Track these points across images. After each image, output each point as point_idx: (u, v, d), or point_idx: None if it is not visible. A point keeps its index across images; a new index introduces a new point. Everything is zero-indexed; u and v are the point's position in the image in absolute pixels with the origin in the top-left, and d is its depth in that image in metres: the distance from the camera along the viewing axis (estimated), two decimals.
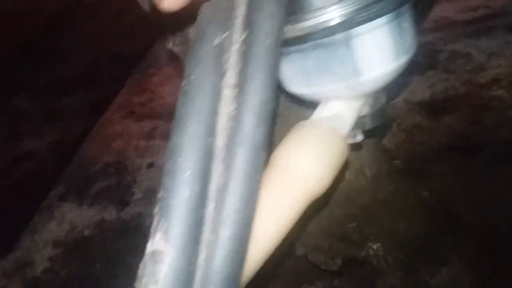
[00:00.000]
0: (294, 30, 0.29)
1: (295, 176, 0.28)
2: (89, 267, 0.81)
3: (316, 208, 0.53)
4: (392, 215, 0.55)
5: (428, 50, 1.11)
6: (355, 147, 0.44)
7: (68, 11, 1.65)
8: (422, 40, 1.15)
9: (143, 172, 1.01)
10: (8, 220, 0.96)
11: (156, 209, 0.21)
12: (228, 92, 0.22)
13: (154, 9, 0.24)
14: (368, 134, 0.36)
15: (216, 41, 0.23)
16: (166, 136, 0.98)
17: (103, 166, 1.06)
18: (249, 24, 0.23)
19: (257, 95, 0.22)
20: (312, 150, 0.29)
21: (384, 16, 0.30)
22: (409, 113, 0.94)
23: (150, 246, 0.21)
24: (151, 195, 0.93)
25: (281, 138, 0.31)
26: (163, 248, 0.20)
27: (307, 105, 0.36)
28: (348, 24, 0.29)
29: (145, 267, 0.20)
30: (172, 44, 0.51)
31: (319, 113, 0.33)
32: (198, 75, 0.22)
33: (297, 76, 0.33)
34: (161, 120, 1.16)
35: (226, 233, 0.21)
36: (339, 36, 0.30)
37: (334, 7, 0.28)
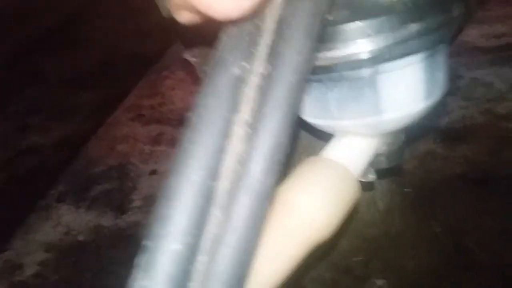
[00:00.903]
0: (319, 58, 0.27)
1: (299, 218, 0.26)
2: (80, 275, 0.78)
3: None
4: (400, 250, 0.52)
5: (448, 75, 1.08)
6: (366, 187, 0.41)
7: (89, 6, 1.64)
8: None
9: (145, 179, 0.98)
10: (4, 216, 0.94)
11: (139, 259, 0.18)
12: (240, 131, 0.20)
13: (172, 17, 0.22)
14: (381, 173, 0.33)
15: (235, 71, 0.20)
16: (172, 142, 0.96)
17: (105, 168, 1.04)
18: (273, 56, 0.20)
19: (272, 138, 0.19)
20: (320, 192, 0.26)
21: (416, 54, 0.27)
22: (424, 139, 0.90)
23: None
24: (150, 204, 0.91)
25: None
26: None
27: (319, 135, 0.33)
28: (378, 59, 0.26)
29: None
30: (189, 55, 0.48)
31: (331, 148, 0.30)
32: (209, 108, 0.19)
33: (314, 106, 0.30)
34: (169, 125, 1.14)
35: None
36: (366, 71, 0.27)
37: (365, 40, 0.25)
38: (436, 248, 0.56)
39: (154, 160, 1.03)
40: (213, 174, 0.19)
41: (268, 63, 0.20)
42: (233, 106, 0.19)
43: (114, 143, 1.11)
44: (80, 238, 0.88)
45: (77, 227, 0.90)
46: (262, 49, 0.20)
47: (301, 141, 0.41)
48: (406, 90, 0.28)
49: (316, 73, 0.28)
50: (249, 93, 0.20)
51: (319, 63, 0.27)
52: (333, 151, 0.30)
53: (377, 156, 0.33)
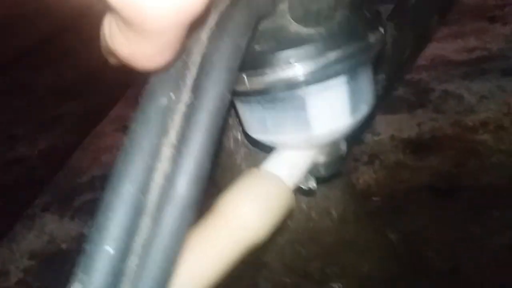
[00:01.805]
0: (253, 82, 0.30)
1: (234, 224, 0.29)
2: (62, 282, 0.81)
3: (281, 245, 0.54)
4: (355, 256, 0.56)
5: (421, 88, 1.12)
6: (307, 193, 0.45)
7: (75, 18, 1.67)
8: (415, 77, 1.16)
9: None
10: None
11: (79, 260, 0.22)
12: (167, 152, 0.23)
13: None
14: (321, 180, 0.37)
15: (164, 101, 0.23)
16: None
17: (90, 178, 1.07)
18: (196, 87, 0.24)
19: (193, 158, 0.23)
20: (255, 201, 0.30)
21: (337, 77, 0.30)
22: (393, 150, 0.94)
23: None
24: None
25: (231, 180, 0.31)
26: None
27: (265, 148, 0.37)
28: (303, 82, 0.30)
29: None
30: None
31: (269, 161, 0.34)
32: (139, 133, 0.23)
33: (255, 123, 0.34)
34: None
35: (146, 285, 0.22)
36: (294, 92, 0.30)
37: (291, 66, 0.29)
38: (390, 254, 0.60)
39: None
40: (144, 188, 0.22)
41: (192, 93, 0.24)
42: (162, 131, 0.23)
43: (98, 153, 1.15)
44: (64, 246, 0.91)
45: (61, 236, 0.93)
46: (188, 81, 0.24)
47: (250, 152, 0.44)
48: (332, 108, 0.32)
49: (253, 94, 0.32)
50: (176, 120, 0.23)
51: (255, 86, 0.31)
52: (270, 163, 0.33)
53: (316, 166, 0.37)
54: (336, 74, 0.30)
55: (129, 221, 0.22)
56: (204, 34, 0.24)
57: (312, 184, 0.36)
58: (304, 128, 0.32)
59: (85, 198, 1.01)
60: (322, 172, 0.37)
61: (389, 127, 1.01)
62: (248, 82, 0.30)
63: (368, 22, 0.31)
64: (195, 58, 0.24)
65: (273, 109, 0.32)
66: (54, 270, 0.85)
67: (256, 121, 0.33)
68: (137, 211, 0.22)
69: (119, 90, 1.37)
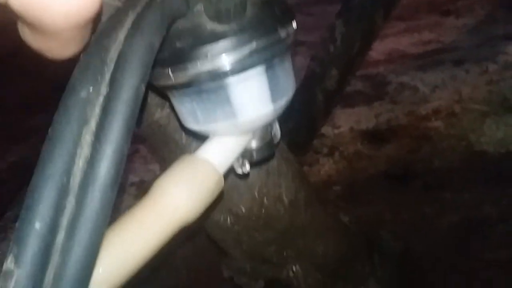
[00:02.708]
0: (179, 77, 0.34)
1: (165, 203, 0.32)
2: None
3: (237, 234, 0.57)
4: (309, 239, 0.59)
5: (378, 82, 1.17)
6: (243, 176, 0.48)
7: None
8: (373, 71, 1.21)
9: None
10: None
11: (13, 236, 0.25)
12: (88, 138, 0.26)
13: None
14: (255, 164, 0.40)
15: (83, 94, 0.27)
16: (145, 160, 0.99)
17: None
18: (113, 82, 0.27)
19: (110, 143, 0.26)
20: (185, 182, 0.33)
21: (254, 67, 0.34)
22: (352, 141, 0.98)
23: (4, 266, 0.24)
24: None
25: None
26: (13, 268, 0.24)
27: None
28: (223, 74, 0.33)
29: None
30: None
31: (202, 147, 0.37)
32: (62, 123, 0.26)
33: (187, 114, 0.37)
34: (142, 144, 1.17)
35: (73, 257, 0.25)
36: (216, 83, 0.34)
37: (210, 59, 0.33)
38: (343, 236, 0.63)
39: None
40: (67, 172, 0.25)
41: (109, 86, 0.27)
42: (82, 121, 0.26)
43: None
44: None
45: None
46: (106, 76, 0.27)
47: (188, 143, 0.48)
48: (253, 96, 0.35)
49: (181, 88, 0.35)
50: (95, 110, 0.26)
51: (180, 80, 0.34)
52: (202, 149, 0.37)
53: (249, 150, 0.40)
54: (252, 65, 0.33)
55: (54, 200, 0.25)
56: (121, 34, 0.28)
57: (246, 168, 0.40)
58: (229, 116, 0.35)
59: None
60: (255, 156, 0.40)
61: (348, 120, 1.05)
62: (173, 77, 0.33)
63: (278, 18, 0.34)
64: (112, 55, 0.27)
65: (200, 101, 0.35)
66: None
67: (188, 113, 0.37)
68: (62, 192, 0.25)
69: None
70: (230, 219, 0.55)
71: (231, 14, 0.32)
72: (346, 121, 1.05)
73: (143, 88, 0.27)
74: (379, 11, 0.86)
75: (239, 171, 0.40)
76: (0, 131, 1.35)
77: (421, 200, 0.81)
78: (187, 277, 0.77)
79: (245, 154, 0.40)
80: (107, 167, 0.26)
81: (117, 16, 0.29)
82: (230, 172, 0.41)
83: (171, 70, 0.33)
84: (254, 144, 0.40)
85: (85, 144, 0.26)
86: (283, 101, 0.37)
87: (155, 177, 0.34)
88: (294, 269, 0.61)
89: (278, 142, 0.43)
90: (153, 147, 0.52)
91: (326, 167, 0.93)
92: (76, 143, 0.26)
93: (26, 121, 1.38)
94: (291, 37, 0.35)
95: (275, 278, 0.62)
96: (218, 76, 0.33)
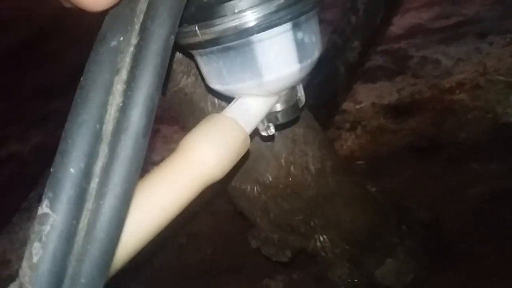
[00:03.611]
0: (206, 34, 0.33)
1: (194, 159, 0.32)
2: None
3: (264, 203, 0.56)
4: (336, 208, 0.58)
5: (400, 56, 1.15)
6: (268, 139, 0.47)
7: (56, 19, 1.69)
8: (394, 46, 1.19)
9: None
10: None
11: (48, 180, 0.25)
12: (119, 87, 0.26)
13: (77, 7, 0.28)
14: (280, 127, 0.40)
15: (114, 43, 0.26)
16: (166, 139, 0.99)
17: None
18: (143, 31, 0.27)
19: (141, 91, 0.26)
20: (213, 140, 0.33)
21: (282, 25, 0.33)
22: (375, 115, 0.97)
23: (39, 211, 0.24)
24: None
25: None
26: (48, 212, 0.24)
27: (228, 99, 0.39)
28: (249, 31, 0.32)
29: (33, 227, 0.24)
30: None
31: (229, 107, 0.36)
32: (94, 72, 0.26)
33: (212, 74, 0.37)
34: (163, 124, 1.17)
35: (107, 203, 0.25)
36: (243, 41, 0.33)
37: (238, 14, 0.32)
38: (371, 205, 0.62)
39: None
40: (100, 119, 0.25)
41: (139, 36, 0.26)
42: (113, 69, 0.26)
43: None
44: None
45: None
46: (136, 26, 0.27)
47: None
48: (279, 55, 0.34)
49: (208, 46, 0.34)
50: (126, 59, 0.26)
51: (207, 37, 0.33)
52: (229, 109, 0.36)
53: (274, 113, 0.39)
54: (280, 22, 0.33)
55: (88, 147, 0.25)
56: None
57: (271, 130, 0.39)
58: (255, 75, 0.35)
59: None
60: (280, 119, 0.40)
61: (370, 95, 1.04)
62: (200, 34, 0.33)
63: None
64: (142, 5, 0.27)
65: (227, 60, 0.34)
66: None
67: (214, 73, 0.36)
68: (95, 139, 0.25)
69: None
70: (257, 188, 0.54)
71: None
72: (367, 97, 1.03)
73: (172, 39, 0.27)
74: None
75: (264, 133, 0.39)
76: (21, 115, 1.36)
77: (448, 172, 0.80)
78: (212, 251, 0.77)
79: (270, 117, 0.39)
80: (139, 115, 0.26)
81: None
82: (255, 136, 0.40)
83: (198, 27, 0.33)
84: (279, 107, 0.40)
85: (116, 93, 0.26)
86: (309, 62, 0.36)
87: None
88: (321, 239, 0.60)
89: (303, 106, 0.43)
90: (178, 116, 0.52)
91: (349, 142, 0.92)
92: (108, 91, 0.26)
93: (44, 107, 1.39)
94: None
95: (302, 248, 0.61)
96: (244, 32, 0.32)
